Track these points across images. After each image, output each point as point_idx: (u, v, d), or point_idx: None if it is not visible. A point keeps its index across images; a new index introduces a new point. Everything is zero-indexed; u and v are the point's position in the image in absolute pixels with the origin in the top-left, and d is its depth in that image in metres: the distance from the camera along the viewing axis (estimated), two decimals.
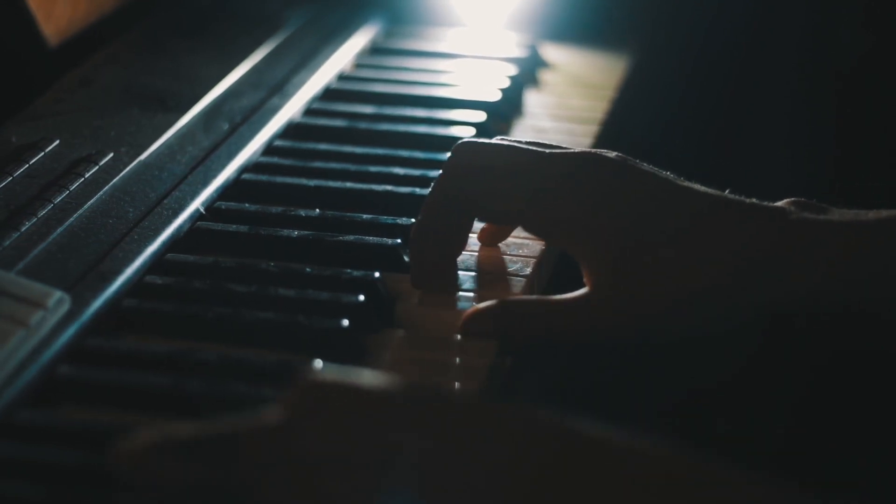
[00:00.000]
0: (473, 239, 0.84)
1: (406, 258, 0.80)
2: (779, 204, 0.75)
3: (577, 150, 0.78)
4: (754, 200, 0.75)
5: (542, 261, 0.83)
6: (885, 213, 0.74)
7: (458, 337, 0.74)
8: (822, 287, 0.73)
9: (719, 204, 0.74)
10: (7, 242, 0.75)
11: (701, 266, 0.73)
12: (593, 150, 0.77)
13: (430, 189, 0.79)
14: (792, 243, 0.73)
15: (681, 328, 0.74)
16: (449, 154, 0.79)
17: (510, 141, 0.80)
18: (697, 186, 0.76)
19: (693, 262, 0.73)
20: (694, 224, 0.74)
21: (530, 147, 0.78)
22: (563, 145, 0.79)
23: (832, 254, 0.73)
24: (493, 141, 0.80)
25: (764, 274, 0.73)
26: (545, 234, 0.78)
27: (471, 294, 0.78)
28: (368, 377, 0.57)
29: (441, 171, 0.79)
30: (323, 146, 0.94)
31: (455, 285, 0.79)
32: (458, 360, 0.72)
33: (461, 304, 0.77)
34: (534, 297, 0.79)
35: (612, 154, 0.77)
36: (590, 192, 0.75)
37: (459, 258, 0.81)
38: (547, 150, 0.77)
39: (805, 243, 0.73)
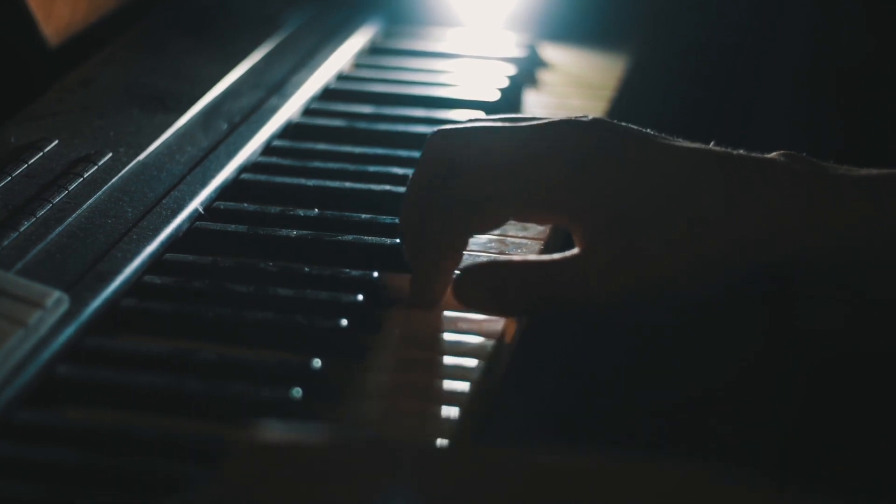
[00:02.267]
0: (474, 238, 0.84)
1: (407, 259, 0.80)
2: (771, 155, 0.74)
3: (551, 119, 0.76)
4: (742, 152, 0.74)
5: None
6: (875, 171, 0.73)
7: (456, 337, 0.74)
8: (819, 246, 0.72)
9: (709, 159, 0.73)
10: (6, 242, 0.75)
11: (694, 226, 0.72)
12: (567, 118, 0.75)
13: (405, 193, 0.77)
14: (788, 200, 0.72)
15: (678, 288, 0.73)
16: (424, 148, 0.77)
17: (483, 121, 0.78)
18: (681, 141, 0.75)
19: (685, 221, 0.72)
20: (684, 182, 0.73)
21: (504, 124, 0.76)
22: (537, 116, 0.78)
23: (832, 210, 0.72)
24: (465, 125, 0.77)
25: (761, 232, 0.72)
26: (533, 212, 0.76)
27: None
28: (309, 434, 0.56)
29: (416, 169, 0.76)
30: (322, 146, 0.94)
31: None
32: (452, 361, 0.72)
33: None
34: (524, 257, 0.76)
35: (588, 118, 0.75)
36: (572, 160, 0.73)
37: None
38: (521, 125, 0.75)
39: (801, 199, 0.72)
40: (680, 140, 0.75)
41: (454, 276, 0.75)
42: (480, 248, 0.83)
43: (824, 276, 0.75)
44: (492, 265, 0.75)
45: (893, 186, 0.73)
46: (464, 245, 0.76)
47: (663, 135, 0.75)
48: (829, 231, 0.72)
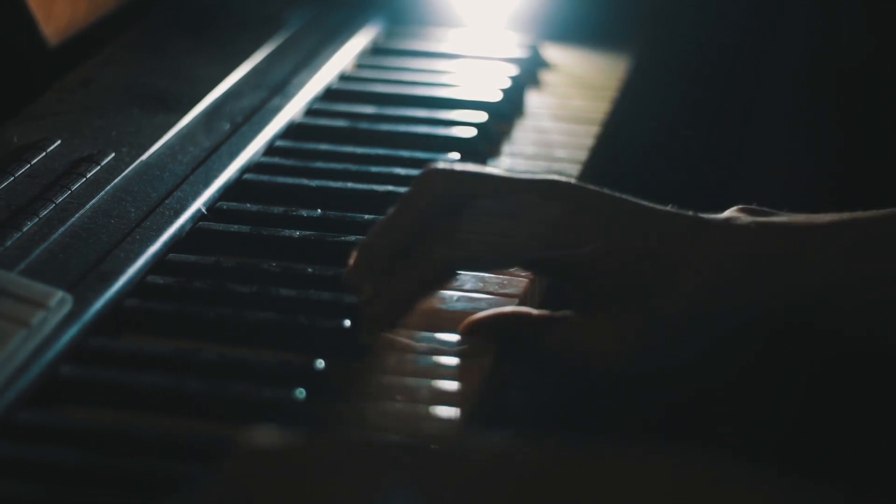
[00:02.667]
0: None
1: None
2: (727, 212, 0.75)
3: (543, 178, 0.75)
4: (701, 215, 0.75)
5: None
6: (843, 215, 0.74)
7: (455, 337, 0.74)
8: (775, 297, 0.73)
9: (679, 222, 0.74)
10: (9, 242, 0.75)
11: (671, 286, 0.73)
12: (555, 180, 0.75)
13: (388, 212, 0.74)
14: (737, 252, 0.73)
15: (665, 352, 0.74)
16: (416, 179, 0.75)
17: (480, 168, 0.77)
18: (648, 204, 0.75)
19: (663, 282, 0.73)
20: (661, 244, 0.74)
21: (497, 175, 0.75)
22: (530, 173, 0.77)
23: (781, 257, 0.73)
24: (464, 168, 0.76)
25: (725, 280, 0.73)
26: (516, 264, 0.77)
27: (472, 294, 0.78)
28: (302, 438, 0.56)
29: (406, 196, 0.74)
30: (324, 146, 0.94)
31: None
32: (453, 361, 0.72)
33: (462, 304, 0.77)
34: (526, 310, 0.77)
35: (570, 182, 0.75)
36: (559, 218, 0.74)
37: None
38: (513, 179, 0.75)
39: (748, 249, 0.73)
40: (646, 203, 0.75)
41: (466, 325, 0.75)
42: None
43: (802, 320, 0.76)
44: (492, 318, 0.75)
45: (847, 232, 0.74)
46: (448, 279, 0.76)
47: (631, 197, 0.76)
48: (784, 277, 0.73)
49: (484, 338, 0.75)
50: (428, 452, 0.55)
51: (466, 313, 0.76)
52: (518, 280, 0.80)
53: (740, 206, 0.76)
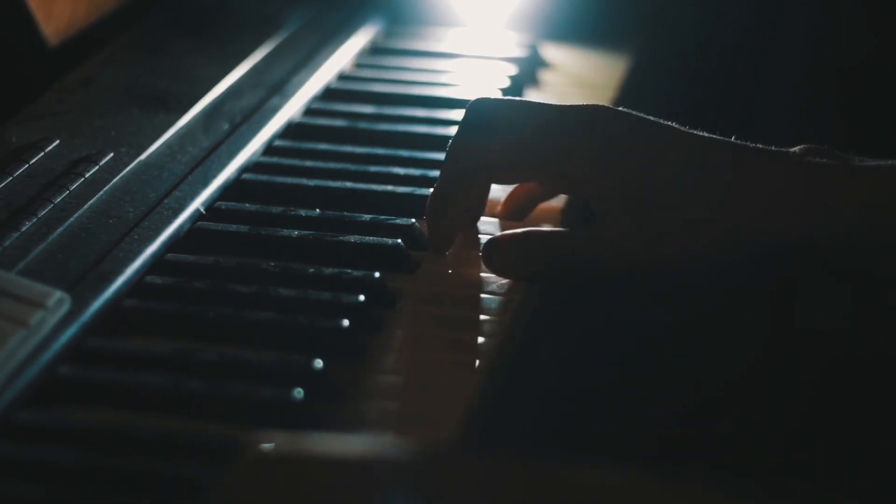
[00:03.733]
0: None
1: (406, 258, 0.80)
2: (792, 149, 0.79)
3: (587, 104, 0.81)
4: (759, 145, 0.79)
5: None
6: (886, 161, 0.77)
7: (457, 337, 0.74)
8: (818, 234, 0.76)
9: (724, 147, 0.79)
10: (7, 242, 0.75)
11: (706, 207, 0.77)
12: (602, 105, 0.81)
13: (446, 151, 0.81)
14: (792, 186, 0.76)
15: (690, 264, 0.78)
16: (464, 112, 0.81)
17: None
18: (701, 133, 0.80)
19: (699, 203, 0.77)
20: (699, 167, 0.78)
21: (542, 103, 0.81)
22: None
23: (835, 198, 0.76)
24: (506, 98, 0.84)
25: (768, 215, 0.76)
26: (559, 180, 0.82)
27: (471, 293, 0.78)
28: (317, 444, 0.56)
29: (457, 130, 0.81)
30: (323, 146, 0.94)
31: (477, 247, 0.82)
32: (453, 361, 0.72)
33: (462, 304, 0.77)
34: (550, 228, 0.83)
35: (620, 109, 0.81)
36: (602, 139, 0.79)
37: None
38: (558, 105, 0.81)
39: (806, 187, 0.76)
40: (700, 132, 0.80)
41: (482, 242, 0.81)
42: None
43: (834, 260, 0.78)
44: (520, 234, 0.80)
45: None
46: (481, 208, 0.84)
47: (686, 127, 0.80)
48: (834, 216, 0.76)
49: (501, 255, 0.79)
50: (429, 459, 0.55)
51: (469, 313, 0.76)
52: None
53: (805, 146, 0.78)
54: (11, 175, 0.82)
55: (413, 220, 0.84)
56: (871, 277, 0.82)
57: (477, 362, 0.72)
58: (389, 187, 0.88)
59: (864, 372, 0.99)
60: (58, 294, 0.69)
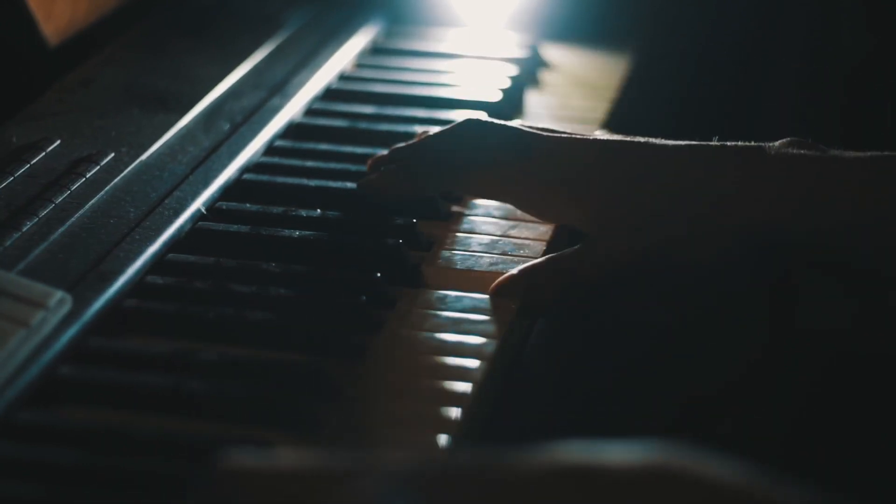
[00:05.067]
0: (476, 239, 0.84)
1: (406, 258, 0.81)
2: (778, 142, 0.79)
3: (565, 136, 0.82)
4: (749, 143, 0.79)
5: None
6: (879, 153, 0.78)
7: (457, 338, 0.74)
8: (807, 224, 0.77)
9: (720, 149, 0.79)
10: (8, 242, 0.75)
11: (709, 207, 0.78)
12: (581, 138, 0.82)
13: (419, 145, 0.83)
14: (796, 180, 0.77)
15: (677, 260, 0.79)
16: (454, 126, 0.83)
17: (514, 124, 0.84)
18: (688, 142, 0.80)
19: (701, 205, 0.78)
20: (699, 170, 0.79)
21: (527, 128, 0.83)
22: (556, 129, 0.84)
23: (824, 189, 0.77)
24: (496, 121, 0.84)
25: (772, 211, 0.77)
26: (551, 197, 0.82)
27: (472, 294, 0.78)
28: (289, 458, 0.55)
29: (440, 135, 0.83)
30: (324, 146, 0.94)
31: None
32: (453, 361, 0.72)
33: (462, 304, 0.77)
34: (543, 258, 0.82)
35: (593, 138, 0.82)
36: (583, 172, 0.80)
37: (460, 259, 0.81)
38: (542, 134, 0.83)
39: (808, 179, 0.77)
40: (680, 141, 0.81)
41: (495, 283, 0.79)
42: (484, 249, 0.83)
43: (828, 253, 0.78)
44: (519, 272, 0.79)
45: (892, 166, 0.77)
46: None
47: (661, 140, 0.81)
48: (835, 210, 0.76)
49: (510, 295, 0.78)
50: (427, 467, 0.54)
51: (469, 313, 0.76)
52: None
53: (790, 139, 0.79)
54: (12, 175, 0.82)
55: (413, 220, 0.84)
56: (863, 275, 0.83)
57: (477, 363, 0.72)
58: None
59: (864, 372, 0.99)
60: (58, 294, 0.69)
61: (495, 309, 0.77)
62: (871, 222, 0.76)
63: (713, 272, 0.80)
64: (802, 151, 0.78)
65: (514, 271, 0.79)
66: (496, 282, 0.79)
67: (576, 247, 0.80)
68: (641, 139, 0.81)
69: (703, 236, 0.78)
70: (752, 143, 0.79)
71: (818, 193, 0.76)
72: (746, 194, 0.77)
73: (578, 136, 0.82)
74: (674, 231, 0.78)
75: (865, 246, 0.77)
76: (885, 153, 0.77)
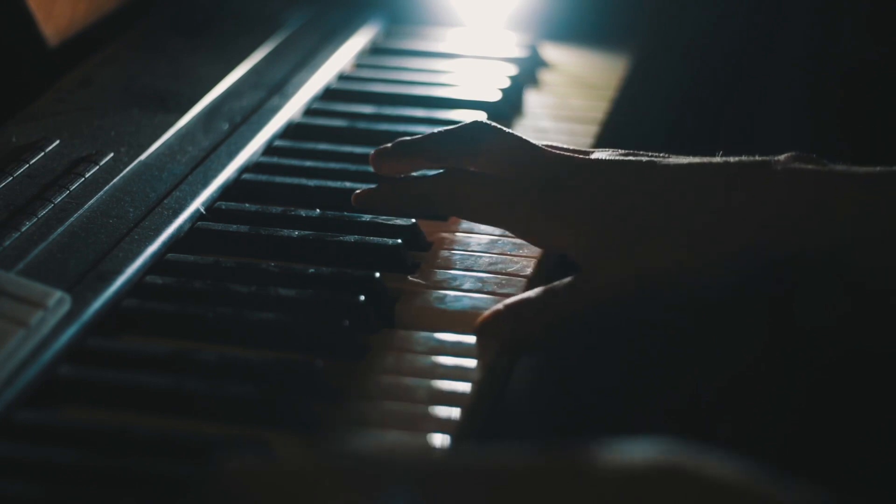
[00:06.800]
0: (476, 238, 0.84)
1: (405, 258, 0.81)
2: (778, 157, 0.77)
3: (567, 154, 0.81)
4: (745, 158, 0.77)
5: (542, 261, 0.83)
6: (877, 168, 0.76)
7: (457, 337, 0.74)
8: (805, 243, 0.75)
9: (714, 167, 0.77)
10: (7, 242, 0.75)
11: (706, 228, 0.75)
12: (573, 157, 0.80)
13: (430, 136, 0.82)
14: (794, 196, 0.75)
15: (680, 283, 0.76)
16: (471, 125, 0.82)
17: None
18: (683, 157, 0.78)
19: (697, 226, 0.76)
20: (692, 190, 0.76)
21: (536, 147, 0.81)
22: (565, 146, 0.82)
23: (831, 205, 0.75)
24: (509, 131, 0.82)
25: (769, 227, 0.75)
26: (541, 219, 0.79)
27: (472, 294, 0.78)
28: (289, 458, 0.55)
29: (449, 133, 0.82)
30: (323, 146, 0.94)
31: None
32: (453, 361, 0.72)
33: (461, 304, 0.77)
34: (532, 291, 0.78)
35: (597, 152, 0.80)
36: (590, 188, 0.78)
37: (459, 259, 0.81)
38: (546, 152, 0.81)
39: (806, 195, 0.75)
40: (681, 157, 0.79)
41: (477, 323, 0.76)
42: (483, 248, 0.83)
43: (829, 270, 0.77)
44: (503, 309, 0.76)
45: (894, 182, 0.75)
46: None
47: (662, 154, 0.79)
48: (834, 225, 0.75)
49: (496, 334, 0.75)
50: (426, 466, 0.54)
51: (468, 313, 0.76)
52: (517, 280, 0.80)
53: (791, 154, 0.77)
54: (11, 175, 0.82)
55: (413, 220, 0.84)
56: (866, 290, 0.82)
57: (477, 363, 0.72)
58: None
59: (864, 372, 0.99)
60: (58, 294, 0.69)
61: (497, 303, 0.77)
62: (876, 237, 0.76)
63: (719, 291, 0.78)
64: (809, 167, 0.76)
65: (500, 306, 0.76)
66: (476, 322, 0.75)
67: (569, 278, 0.77)
68: (644, 158, 0.79)
69: (707, 255, 0.76)
70: (758, 158, 0.77)
71: (823, 209, 0.75)
72: (753, 212, 0.75)
73: (572, 155, 0.80)
74: (676, 252, 0.76)
75: (868, 262, 0.76)
76: (890, 168, 0.77)
